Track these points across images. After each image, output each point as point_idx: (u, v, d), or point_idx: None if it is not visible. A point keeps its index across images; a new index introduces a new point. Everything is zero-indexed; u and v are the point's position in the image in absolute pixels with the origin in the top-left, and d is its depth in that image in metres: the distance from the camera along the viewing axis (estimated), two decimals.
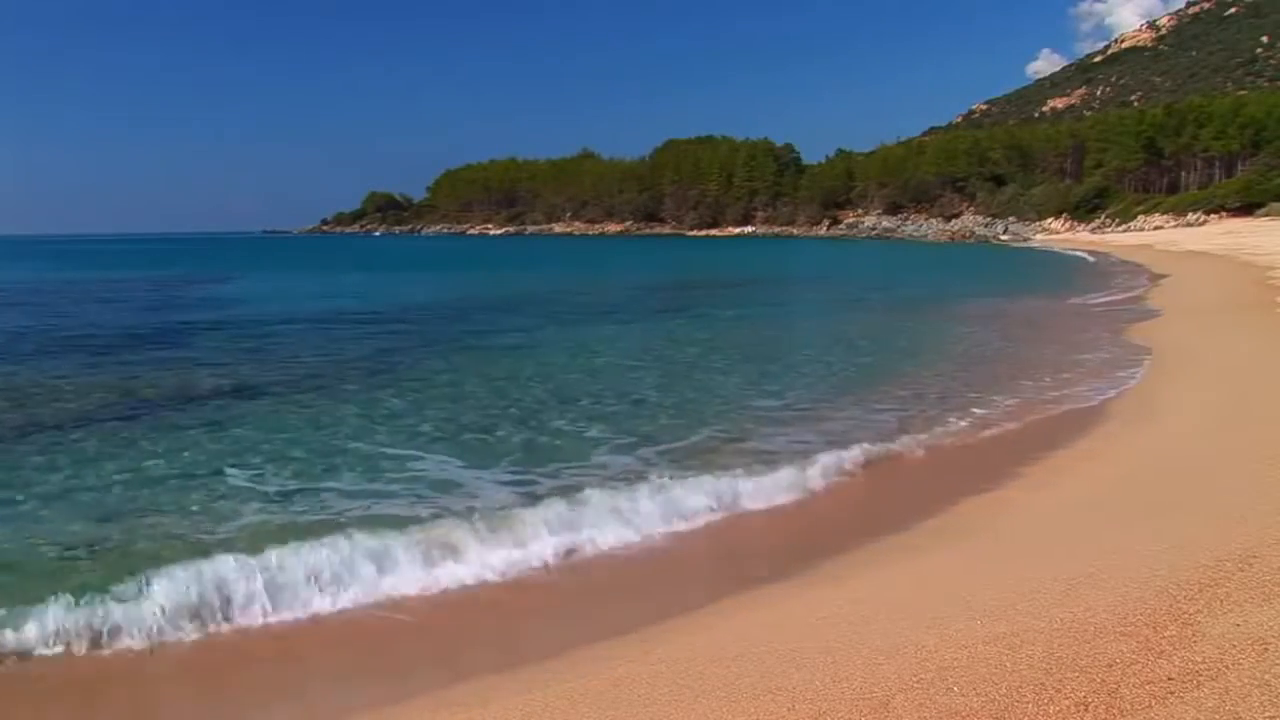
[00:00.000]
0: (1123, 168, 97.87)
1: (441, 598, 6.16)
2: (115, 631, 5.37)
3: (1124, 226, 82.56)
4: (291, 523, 7.50)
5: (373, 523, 7.50)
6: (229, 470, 8.99)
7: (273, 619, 5.77)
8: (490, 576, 6.47)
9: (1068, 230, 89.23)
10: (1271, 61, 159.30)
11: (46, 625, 5.30)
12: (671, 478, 8.37)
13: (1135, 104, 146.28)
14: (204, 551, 6.47)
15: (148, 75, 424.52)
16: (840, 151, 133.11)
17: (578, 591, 6.32)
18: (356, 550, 6.46)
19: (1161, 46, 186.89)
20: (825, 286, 37.20)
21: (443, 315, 25.83)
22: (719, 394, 13.18)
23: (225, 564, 6.04)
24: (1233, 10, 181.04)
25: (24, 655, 5.18)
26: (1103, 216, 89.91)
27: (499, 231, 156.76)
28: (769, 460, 9.37)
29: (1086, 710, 3.12)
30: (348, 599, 6.05)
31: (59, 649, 5.23)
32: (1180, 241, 54.27)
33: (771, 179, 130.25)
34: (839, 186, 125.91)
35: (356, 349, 18.06)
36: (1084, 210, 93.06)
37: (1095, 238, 77.32)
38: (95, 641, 5.31)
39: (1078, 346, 16.99)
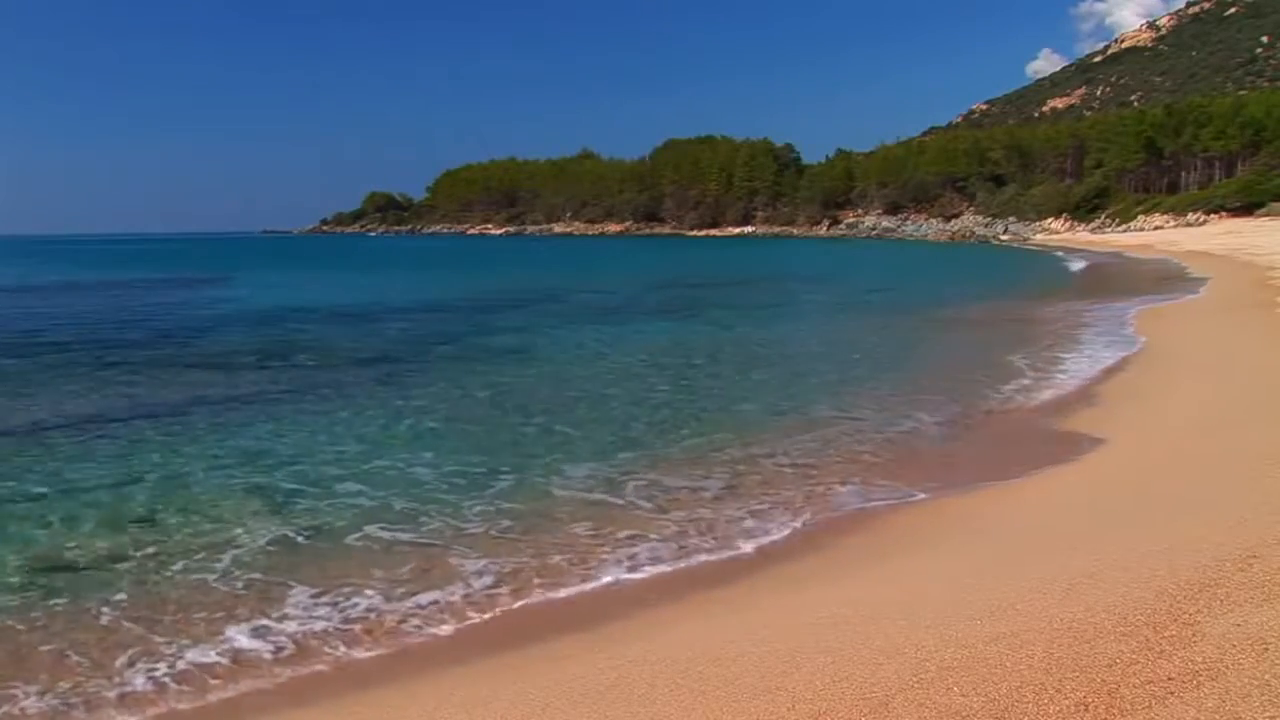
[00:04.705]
0: (1123, 168, 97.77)
1: (441, 598, 6.17)
2: None
3: (1124, 226, 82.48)
4: (290, 527, 7.53)
5: (376, 524, 7.53)
6: (229, 472, 9.04)
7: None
8: (489, 579, 6.48)
9: (1068, 230, 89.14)
10: (1271, 61, 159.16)
11: None
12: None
13: (1135, 104, 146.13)
14: None
15: (147, 75, 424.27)
16: (840, 151, 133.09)
17: (575, 591, 6.32)
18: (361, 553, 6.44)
19: (1161, 46, 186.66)
20: (825, 288, 37.18)
21: (442, 316, 25.84)
22: (715, 399, 13.19)
23: None
24: (1233, 10, 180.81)
25: None
26: (1103, 216, 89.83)
27: (499, 231, 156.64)
28: (763, 466, 9.38)
29: (1086, 710, 3.12)
30: (366, 603, 6.08)
31: None
32: (1180, 241, 54.27)
33: (771, 179, 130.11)
34: (839, 186, 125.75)
35: (354, 351, 18.06)
36: (1084, 210, 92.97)
37: (1095, 237, 77.29)
38: None
39: (1077, 347, 16.99)
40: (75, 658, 5.31)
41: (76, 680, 5.05)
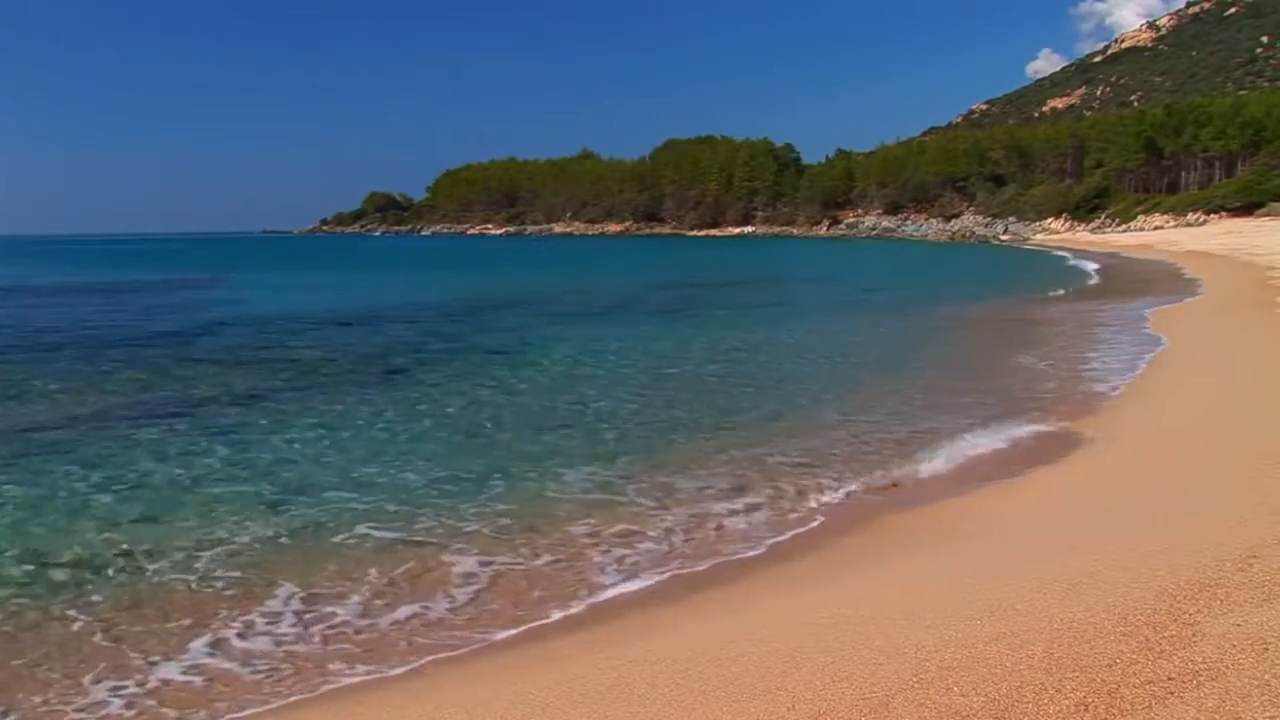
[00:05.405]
0: (1123, 168, 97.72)
1: (440, 599, 6.17)
2: None
3: (1124, 226, 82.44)
4: (285, 528, 7.52)
5: (378, 522, 7.53)
6: (219, 475, 9.02)
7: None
8: (486, 580, 6.49)
9: (1067, 230, 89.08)
10: (1271, 61, 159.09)
11: None
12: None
13: (1135, 104, 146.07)
14: None
15: (147, 75, 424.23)
16: (840, 151, 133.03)
17: (574, 591, 6.32)
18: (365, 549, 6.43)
19: (1161, 46, 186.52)
20: (826, 288, 37.18)
21: (441, 318, 25.82)
22: (716, 399, 13.17)
23: None
24: (1233, 10, 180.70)
25: None
26: (1103, 216, 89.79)
27: (499, 231, 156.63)
28: (763, 466, 9.37)
29: (1086, 710, 3.12)
30: (364, 604, 6.08)
31: None
32: (1180, 242, 54.24)
33: (771, 179, 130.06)
34: (839, 186, 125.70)
35: (351, 354, 17.97)
36: (1084, 210, 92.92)
37: (1095, 238, 77.25)
38: None
39: (1077, 346, 16.99)
40: (51, 673, 5.18)
41: (47, 697, 4.93)
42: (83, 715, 4.78)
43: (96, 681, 5.05)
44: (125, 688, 5.00)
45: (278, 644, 5.52)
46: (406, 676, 5.14)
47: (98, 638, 5.58)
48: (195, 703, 4.88)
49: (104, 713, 4.79)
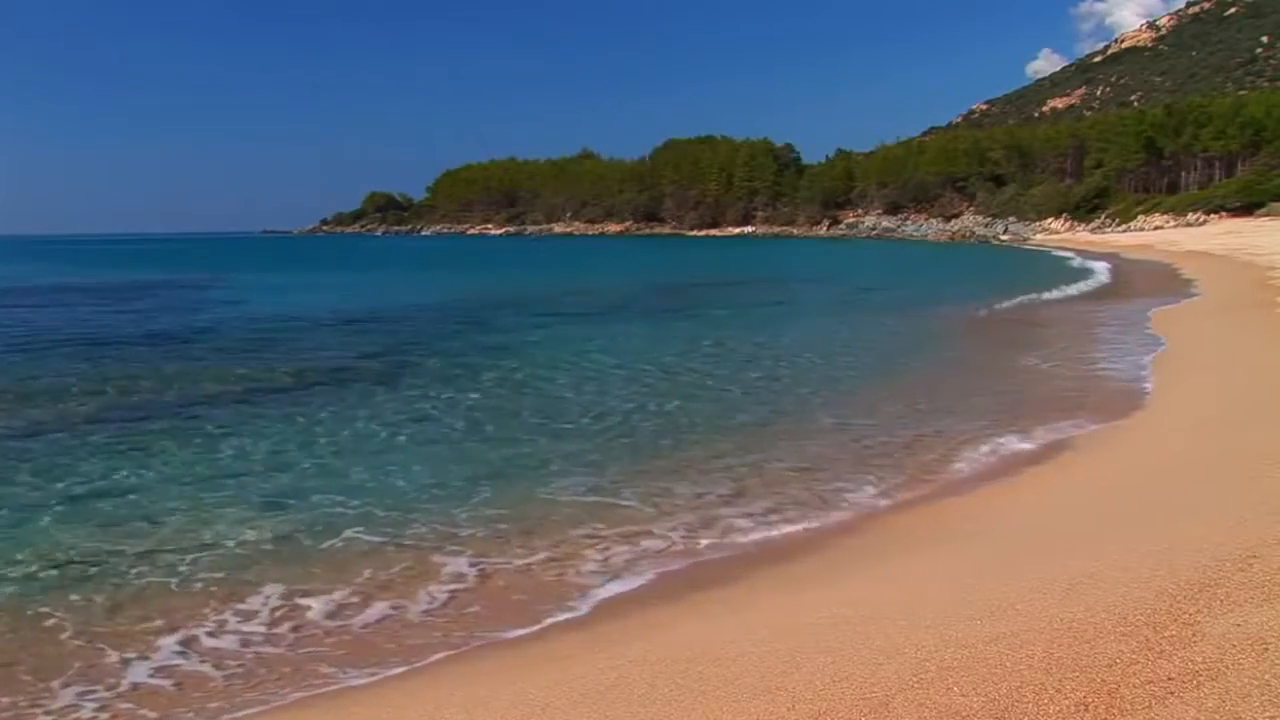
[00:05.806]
0: (1123, 168, 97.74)
1: (439, 599, 6.17)
2: None
3: (1124, 226, 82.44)
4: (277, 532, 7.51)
5: (371, 523, 7.53)
6: (211, 477, 9.01)
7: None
8: (484, 580, 6.48)
9: (1067, 230, 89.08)
10: (1271, 61, 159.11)
11: None
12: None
13: (1135, 104, 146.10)
14: None
15: (147, 75, 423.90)
16: (840, 151, 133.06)
17: (573, 592, 6.32)
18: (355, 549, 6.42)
19: (1161, 46, 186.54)
20: (826, 288, 37.17)
21: (439, 319, 25.81)
22: (716, 401, 13.17)
23: None
24: (1233, 10, 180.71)
25: None
26: (1103, 216, 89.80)
27: (499, 231, 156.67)
28: (763, 468, 9.37)
29: (1086, 710, 3.12)
30: (361, 604, 6.07)
31: None
32: (1180, 241, 54.24)
33: (771, 179, 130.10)
34: (839, 186, 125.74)
35: (348, 355, 17.89)
36: (1084, 210, 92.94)
37: (1095, 238, 77.24)
38: None
39: (1078, 347, 16.98)
40: (23, 675, 5.15)
41: (15, 699, 4.89)
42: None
43: (65, 686, 5.02)
44: (95, 691, 4.96)
45: (275, 644, 5.52)
46: (405, 676, 5.14)
47: (79, 641, 5.54)
48: (191, 704, 4.88)
49: (75, 716, 4.76)
